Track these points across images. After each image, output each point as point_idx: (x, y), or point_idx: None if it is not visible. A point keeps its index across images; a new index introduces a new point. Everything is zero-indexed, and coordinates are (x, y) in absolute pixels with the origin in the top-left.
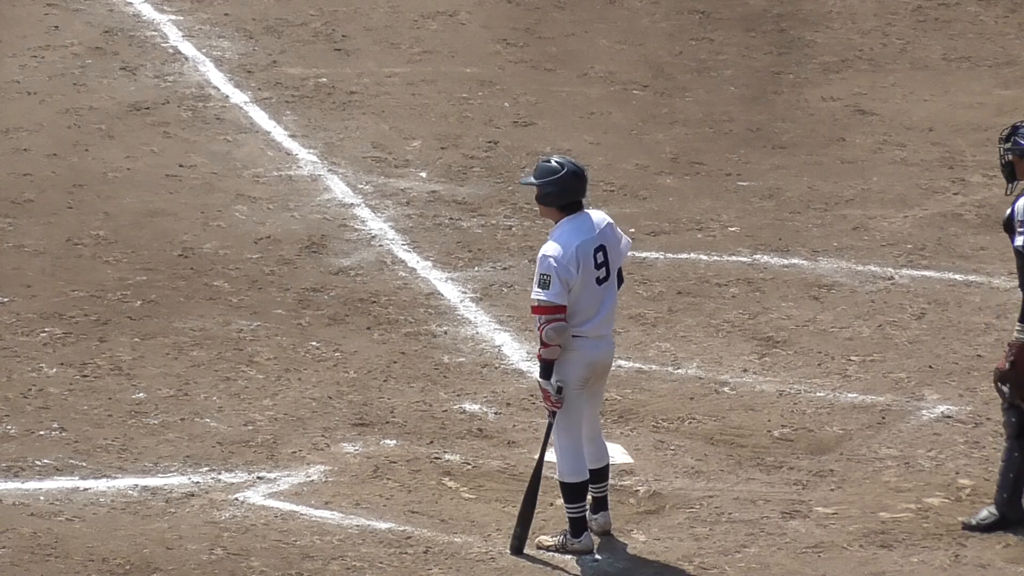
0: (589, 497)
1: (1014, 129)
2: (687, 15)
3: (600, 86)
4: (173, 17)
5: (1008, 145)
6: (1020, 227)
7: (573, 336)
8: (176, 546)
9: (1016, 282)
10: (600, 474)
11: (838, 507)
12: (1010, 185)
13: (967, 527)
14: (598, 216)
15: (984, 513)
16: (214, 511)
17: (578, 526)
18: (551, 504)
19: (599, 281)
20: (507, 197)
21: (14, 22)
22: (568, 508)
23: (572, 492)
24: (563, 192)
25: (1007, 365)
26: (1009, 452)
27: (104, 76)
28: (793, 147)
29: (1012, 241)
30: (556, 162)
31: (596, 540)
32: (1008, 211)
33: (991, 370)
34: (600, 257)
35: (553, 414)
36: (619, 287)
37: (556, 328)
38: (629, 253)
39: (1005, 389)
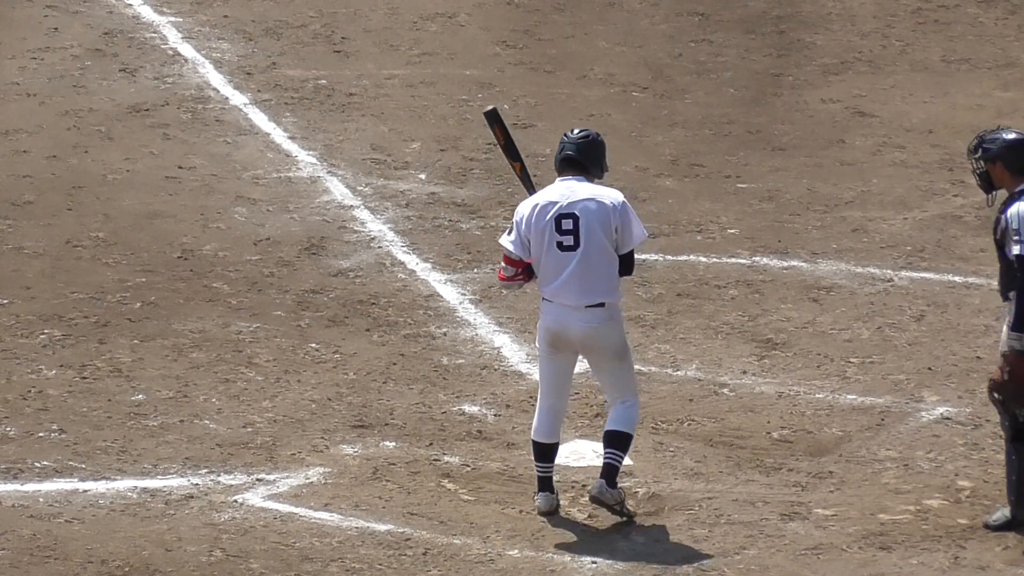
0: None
1: (980, 139)
2: (687, 17)
3: (600, 88)
4: (173, 19)
5: (978, 155)
6: (1015, 235)
7: (542, 299)
8: (175, 548)
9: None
10: (611, 438)
11: (837, 509)
12: (989, 195)
13: (986, 525)
14: (591, 190)
15: (999, 514)
16: (213, 513)
17: (538, 484)
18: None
19: (561, 247)
20: (506, 199)
21: (13, 24)
22: (535, 464)
23: (533, 449)
24: (557, 155)
25: (1004, 376)
26: (1009, 456)
27: (104, 78)
28: (792, 149)
29: (1007, 251)
30: (569, 132)
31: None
32: (999, 219)
33: (988, 378)
34: (567, 224)
35: None
36: (626, 274)
37: (505, 287)
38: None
39: (1000, 399)
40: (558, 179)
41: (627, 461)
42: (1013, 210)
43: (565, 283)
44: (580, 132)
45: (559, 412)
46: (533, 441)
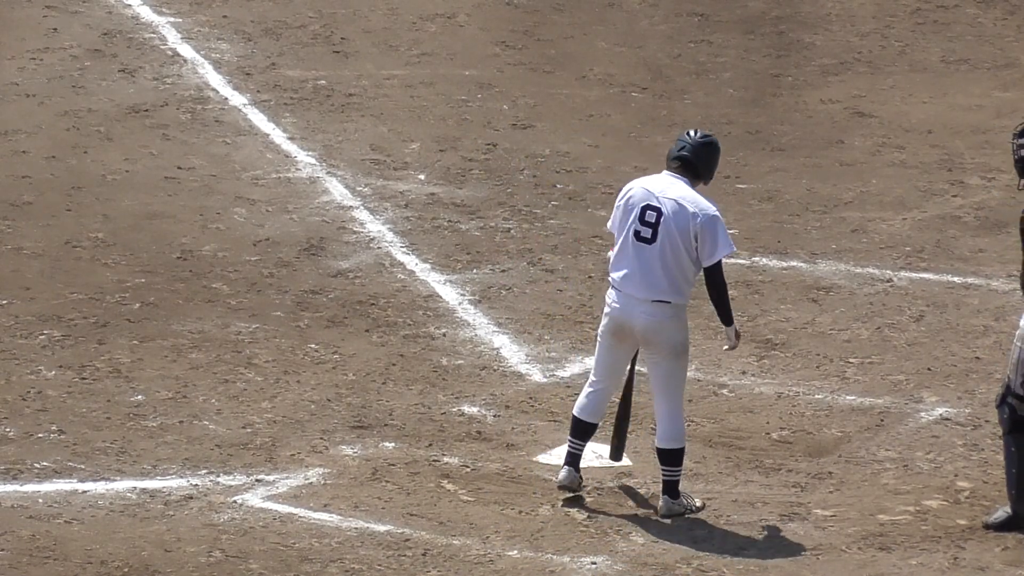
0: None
1: None
2: (686, 17)
3: (599, 88)
4: (172, 19)
5: (1022, 140)
6: None
7: (610, 285)
8: (175, 548)
9: (1015, 284)
10: (663, 456)
11: (836, 509)
12: (1022, 180)
13: (986, 526)
14: (684, 192)
15: (999, 512)
16: (212, 513)
17: (566, 457)
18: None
19: (638, 236)
20: (506, 199)
21: (13, 25)
22: (568, 439)
23: (572, 424)
24: (670, 150)
25: None
26: (1007, 448)
27: (103, 78)
28: (792, 149)
29: None
30: (689, 130)
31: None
32: None
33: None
34: (651, 216)
35: None
36: (713, 291)
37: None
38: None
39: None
40: (665, 171)
41: (627, 462)
42: None
43: (634, 273)
44: (702, 134)
45: (607, 395)
46: (574, 416)
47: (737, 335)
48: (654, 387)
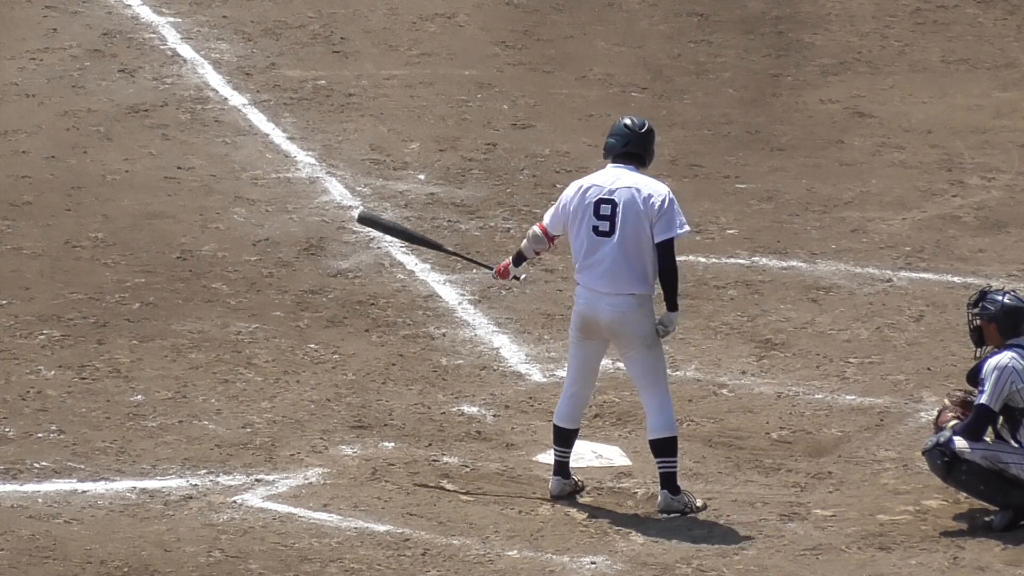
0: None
1: (982, 295)
2: (686, 17)
3: (599, 88)
4: (172, 19)
5: (976, 310)
6: (981, 385)
7: (576, 284)
8: (174, 548)
9: (1015, 284)
10: (656, 447)
11: (836, 509)
12: (979, 349)
13: (988, 527)
14: (636, 179)
15: (999, 516)
16: (212, 513)
17: (554, 467)
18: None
19: (597, 231)
20: (505, 199)
21: (12, 25)
22: (553, 447)
23: (553, 433)
24: (613, 145)
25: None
26: (959, 481)
27: (103, 78)
28: (792, 149)
29: (979, 397)
30: (625, 120)
31: (570, 488)
32: (976, 365)
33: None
34: (606, 209)
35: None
36: (664, 271)
37: (530, 232)
38: (666, 236)
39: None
40: (609, 165)
41: (626, 462)
42: (990, 363)
43: (597, 269)
44: (637, 124)
45: (582, 400)
46: (554, 425)
47: (675, 324)
48: (637, 383)
